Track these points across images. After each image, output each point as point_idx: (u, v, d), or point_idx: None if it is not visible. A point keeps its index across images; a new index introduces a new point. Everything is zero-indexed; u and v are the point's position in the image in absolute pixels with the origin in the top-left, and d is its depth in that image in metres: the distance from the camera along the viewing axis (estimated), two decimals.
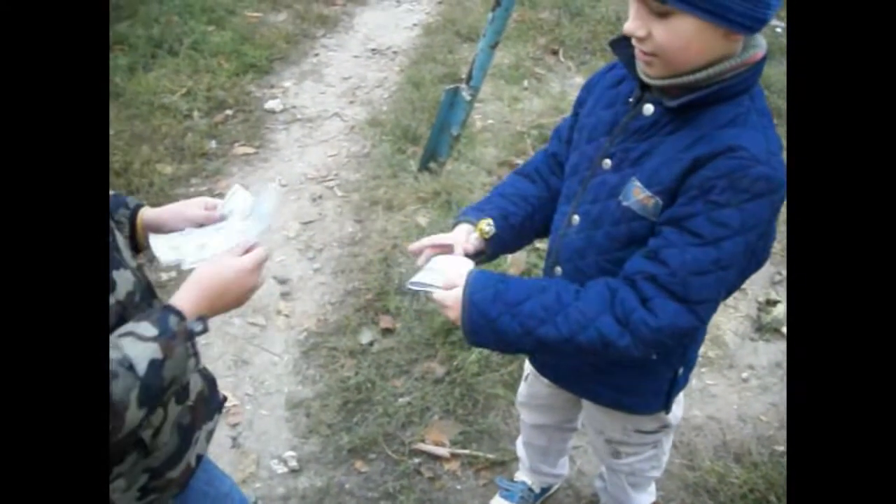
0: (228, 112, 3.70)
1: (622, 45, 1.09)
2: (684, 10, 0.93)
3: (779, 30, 4.56)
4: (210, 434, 1.19)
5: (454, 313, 1.12)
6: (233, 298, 1.07)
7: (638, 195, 1.08)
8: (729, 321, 2.59)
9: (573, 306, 1.07)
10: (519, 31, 4.34)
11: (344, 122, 3.70)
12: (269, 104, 3.79)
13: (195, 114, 3.64)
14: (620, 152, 1.12)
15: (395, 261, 2.71)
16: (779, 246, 2.87)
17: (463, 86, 2.71)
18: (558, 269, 1.25)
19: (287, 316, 2.56)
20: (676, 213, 1.04)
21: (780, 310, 2.57)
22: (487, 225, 1.28)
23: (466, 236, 1.28)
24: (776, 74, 3.99)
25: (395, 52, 4.39)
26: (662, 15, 0.96)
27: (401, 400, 2.22)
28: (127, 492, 1.03)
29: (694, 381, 2.37)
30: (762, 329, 2.56)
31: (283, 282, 2.70)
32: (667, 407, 1.34)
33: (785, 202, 0.91)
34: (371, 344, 2.41)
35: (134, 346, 0.91)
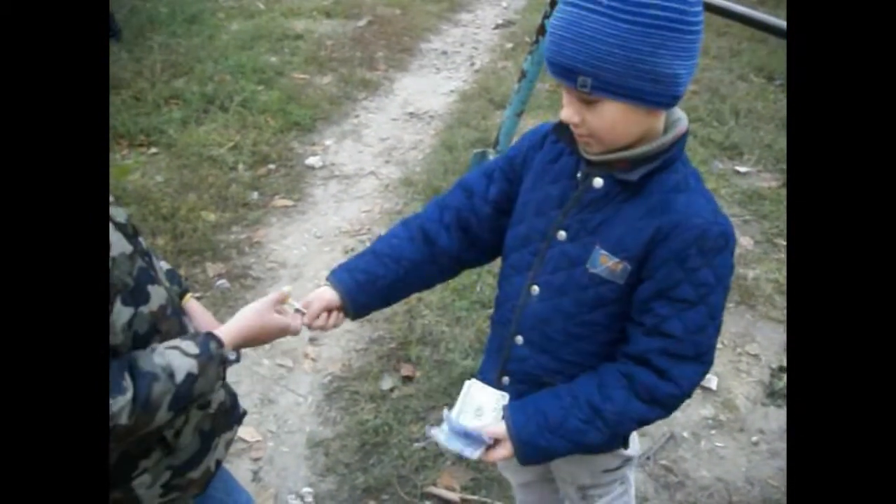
0: (271, 166, 3.92)
1: (563, 128, 1.20)
2: (607, 98, 1.07)
3: None
4: (229, 443, 1.32)
5: (506, 454, 1.24)
6: (262, 341, 1.28)
7: (606, 262, 1.18)
8: (741, 385, 2.64)
9: (605, 409, 1.19)
10: (551, 101, 4.54)
11: (379, 180, 3.89)
12: (310, 160, 4.01)
13: (240, 166, 3.86)
14: (576, 223, 1.22)
15: (419, 312, 2.84)
16: None
17: (490, 150, 2.87)
18: (519, 339, 1.32)
19: (314, 360, 2.68)
20: (660, 286, 1.15)
21: None
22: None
23: (319, 306, 1.35)
24: None
25: (431, 117, 4.61)
26: (590, 103, 1.09)
27: (416, 445, 2.31)
28: (151, 487, 1.16)
29: (703, 443, 2.42)
30: (774, 395, 2.60)
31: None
32: (625, 443, 1.42)
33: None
34: (391, 390, 2.52)
35: (177, 358, 1.07)
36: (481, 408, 1.29)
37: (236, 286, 3.01)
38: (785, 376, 2.62)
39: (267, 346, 2.72)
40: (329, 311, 1.36)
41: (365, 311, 1.42)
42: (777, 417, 2.53)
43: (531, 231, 1.28)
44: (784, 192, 3.78)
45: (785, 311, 2.96)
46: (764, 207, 3.62)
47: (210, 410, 1.25)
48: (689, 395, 1.21)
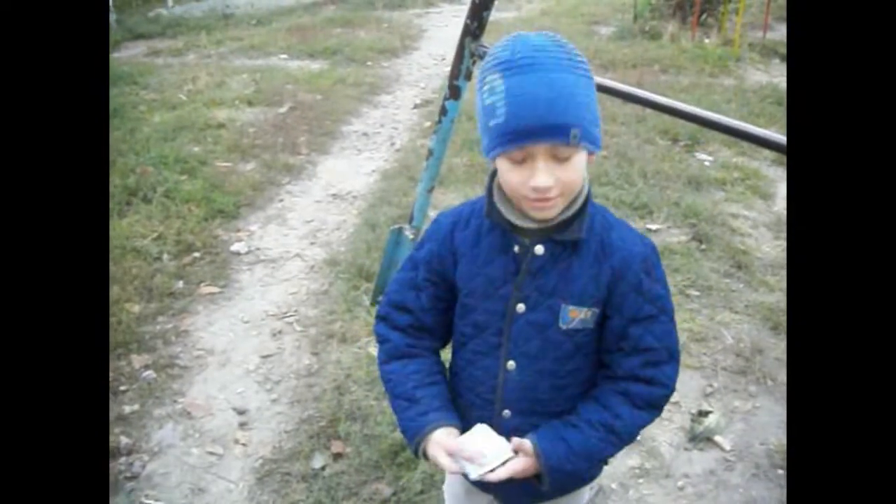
0: (196, 254, 3.94)
1: (494, 209, 1.27)
2: (584, 146, 1.15)
3: (707, 163, 4.99)
4: None
5: (529, 473, 1.29)
6: None
7: (577, 315, 1.28)
8: (664, 433, 2.74)
9: (616, 425, 1.30)
10: (468, 175, 4.72)
11: (304, 262, 3.95)
12: (235, 246, 4.04)
13: (164, 256, 3.87)
14: (533, 292, 1.27)
15: (347, 388, 2.87)
16: (707, 360, 3.08)
17: (406, 226, 2.97)
18: (507, 413, 1.35)
19: (244, 445, 2.67)
20: (629, 314, 1.29)
21: (712, 419, 2.73)
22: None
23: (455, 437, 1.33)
24: (704, 204, 4.36)
25: (354, 197, 4.72)
26: (563, 160, 1.14)
27: None
28: None
29: (631, 492, 2.49)
30: (696, 439, 2.70)
31: (241, 412, 2.82)
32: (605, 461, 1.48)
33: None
34: (323, 468, 2.52)
35: None
36: (485, 454, 1.28)
37: (163, 376, 2.99)
38: (704, 420, 2.73)
39: (196, 435, 2.70)
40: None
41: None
42: (700, 461, 2.62)
43: (487, 315, 1.32)
44: (693, 245, 4.00)
45: (699, 358, 3.10)
46: (675, 262, 3.81)
47: None
48: (674, 391, 1.35)
